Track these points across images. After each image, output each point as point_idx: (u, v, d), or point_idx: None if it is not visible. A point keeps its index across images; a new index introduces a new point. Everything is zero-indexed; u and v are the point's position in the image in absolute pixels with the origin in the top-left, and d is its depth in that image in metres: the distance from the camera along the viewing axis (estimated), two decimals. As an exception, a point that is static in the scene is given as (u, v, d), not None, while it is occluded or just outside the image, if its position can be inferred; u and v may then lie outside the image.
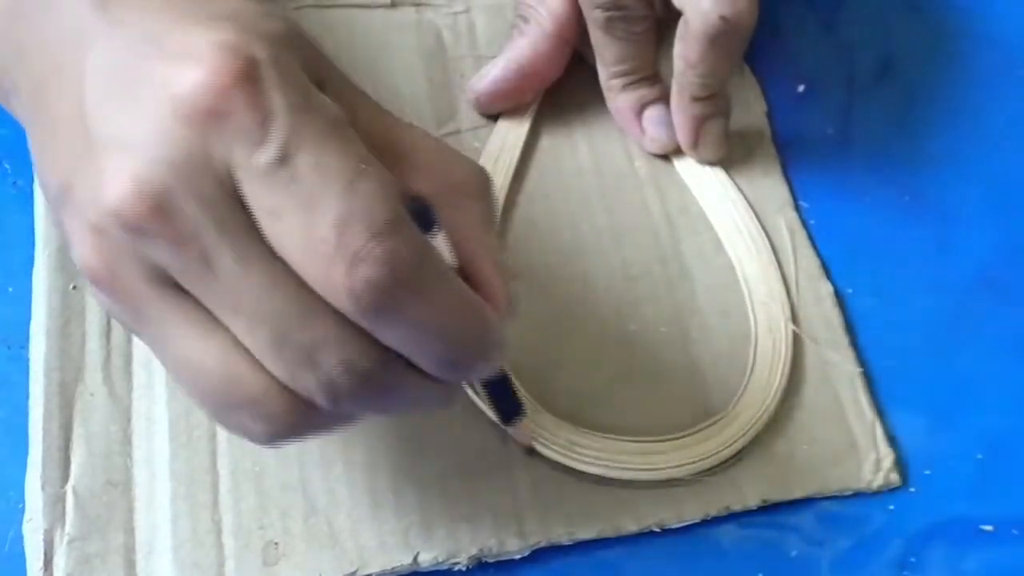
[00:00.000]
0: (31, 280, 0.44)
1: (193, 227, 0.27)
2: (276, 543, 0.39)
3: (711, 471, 0.42)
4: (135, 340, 0.43)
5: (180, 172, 0.27)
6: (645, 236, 0.47)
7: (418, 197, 0.30)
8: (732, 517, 0.42)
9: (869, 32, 0.55)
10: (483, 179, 0.33)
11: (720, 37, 0.43)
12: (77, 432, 0.41)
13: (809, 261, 0.47)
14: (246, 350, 0.29)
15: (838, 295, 0.47)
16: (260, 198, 0.27)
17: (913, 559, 0.42)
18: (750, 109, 0.51)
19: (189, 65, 0.27)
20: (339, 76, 0.32)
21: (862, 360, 0.45)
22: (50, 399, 0.41)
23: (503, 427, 0.40)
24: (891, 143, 0.52)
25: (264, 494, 0.40)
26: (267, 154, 0.27)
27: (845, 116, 0.52)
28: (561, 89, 0.51)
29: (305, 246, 0.27)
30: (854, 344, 0.46)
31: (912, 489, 0.43)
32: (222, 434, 0.41)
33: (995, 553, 0.42)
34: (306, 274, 0.28)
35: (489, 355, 0.31)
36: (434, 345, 0.29)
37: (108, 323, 0.43)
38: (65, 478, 0.40)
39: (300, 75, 0.29)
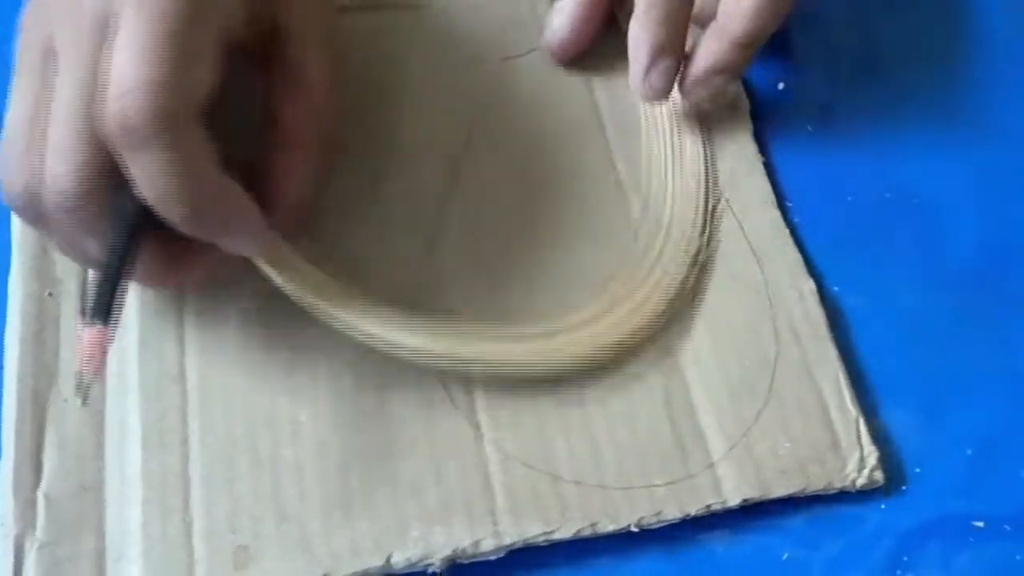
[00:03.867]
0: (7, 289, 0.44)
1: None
2: (247, 547, 0.39)
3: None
4: (110, 349, 0.43)
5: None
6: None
7: None
8: (723, 522, 0.42)
9: (850, 28, 0.55)
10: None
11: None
12: (49, 438, 0.41)
13: (791, 258, 0.47)
14: None
15: (823, 293, 0.46)
16: None
17: (906, 558, 0.41)
18: (732, 107, 0.51)
19: None
20: None
21: (850, 358, 0.45)
22: (23, 405, 0.41)
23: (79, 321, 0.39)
24: (873, 139, 0.51)
25: (236, 499, 0.40)
26: None
27: (826, 113, 0.52)
28: (533, 101, 0.50)
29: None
30: (843, 342, 0.45)
31: (903, 487, 0.43)
32: (194, 438, 0.41)
33: (988, 549, 0.42)
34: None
35: (215, 231, 0.38)
36: (150, 194, 0.36)
37: (82, 330, 0.43)
38: (36, 483, 0.40)
39: None
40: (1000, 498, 0.43)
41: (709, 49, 0.47)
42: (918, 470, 0.43)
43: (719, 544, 0.41)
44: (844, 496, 0.42)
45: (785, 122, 0.51)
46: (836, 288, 0.47)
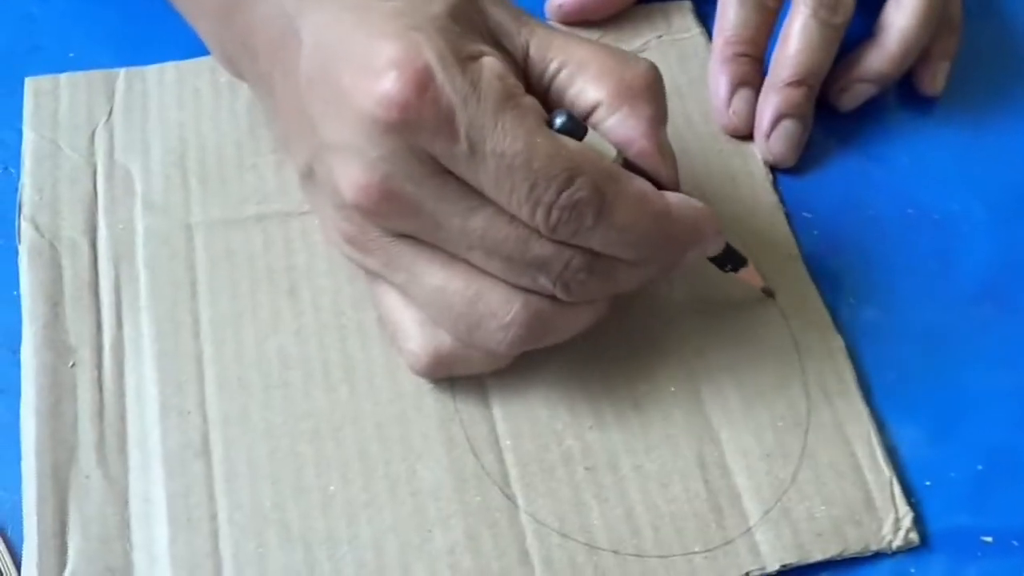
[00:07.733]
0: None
1: (416, 201, 0.36)
2: (283, 627, 0.38)
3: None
4: (129, 419, 0.42)
5: (395, 166, 0.35)
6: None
7: (565, 114, 0.37)
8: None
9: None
10: (652, 78, 0.39)
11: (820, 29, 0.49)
12: (73, 517, 0.40)
13: (819, 314, 0.46)
14: (483, 272, 0.38)
15: (834, 312, 0.46)
16: (467, 174, 0.35)
17: (913, 570, 0.41)
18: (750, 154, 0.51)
19: (376, 80, 0.34)
20: (505, 14, 0.39)
21: (862, 371, 0.45)
22: (43, 482, 0.40)
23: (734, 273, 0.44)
24: (893, 155, 0.52)
25: (269, 576, 0.39)
26: (460, 149, 0.34)
27: (846, 128, 0.52)
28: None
29: (512, 204, 0.35)
30: (855, 354, 0.45)
31: (912, 501, 0.42)
32: (223, 515, 0.40)
33: (996, 564, 0.42)
34: (523, 220, 0.36)
35: (692, 240, 0.39)
36: (626, 247, 0.37)
37: (100, 402, 0.42)
38: (62, 565, 0.39)
39: (466, 49, 0.35)
40: (1009, 513, 0.43)
41: (865, 63, 0.51)
42: (928, 483, 0.43)
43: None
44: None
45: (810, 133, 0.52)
46: (851, 301, 0.47)
